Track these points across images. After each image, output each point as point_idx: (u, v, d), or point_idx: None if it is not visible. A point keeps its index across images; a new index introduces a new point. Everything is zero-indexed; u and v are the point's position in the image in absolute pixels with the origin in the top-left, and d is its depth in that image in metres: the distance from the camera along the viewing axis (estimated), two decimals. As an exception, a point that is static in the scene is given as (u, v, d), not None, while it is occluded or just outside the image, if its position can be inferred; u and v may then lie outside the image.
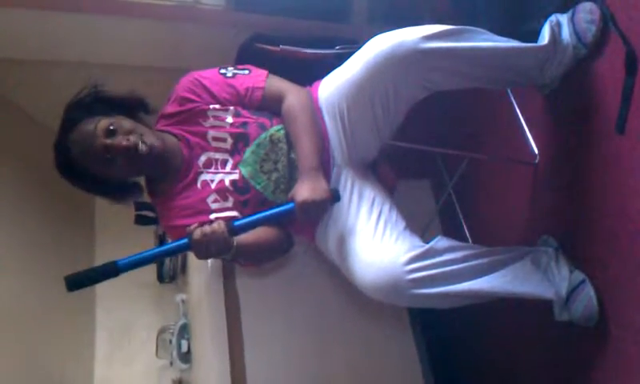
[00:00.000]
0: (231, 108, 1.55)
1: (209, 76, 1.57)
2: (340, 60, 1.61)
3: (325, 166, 1.61)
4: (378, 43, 1.47)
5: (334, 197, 1.44)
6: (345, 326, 2.15)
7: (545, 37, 1.60)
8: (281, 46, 1.87)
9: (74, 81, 2.24)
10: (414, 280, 1.42)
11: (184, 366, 2.34)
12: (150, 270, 2.61)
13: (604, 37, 1.56)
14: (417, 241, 1.52)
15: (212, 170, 1.54)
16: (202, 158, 1.54)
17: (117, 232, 2.49)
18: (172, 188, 1.55)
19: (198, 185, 1.53)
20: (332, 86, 1.61)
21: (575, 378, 1.76)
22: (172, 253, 1.48)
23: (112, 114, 1.48)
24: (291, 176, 1.56)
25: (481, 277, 1.50)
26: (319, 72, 1.71)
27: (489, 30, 1.55)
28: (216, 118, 1.54)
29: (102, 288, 2.53)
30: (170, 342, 2.40)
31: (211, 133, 1.53)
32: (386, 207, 1.58)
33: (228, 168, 1.54)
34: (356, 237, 1.53)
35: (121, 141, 1.41)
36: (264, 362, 2.03)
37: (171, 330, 2.41)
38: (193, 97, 1.54)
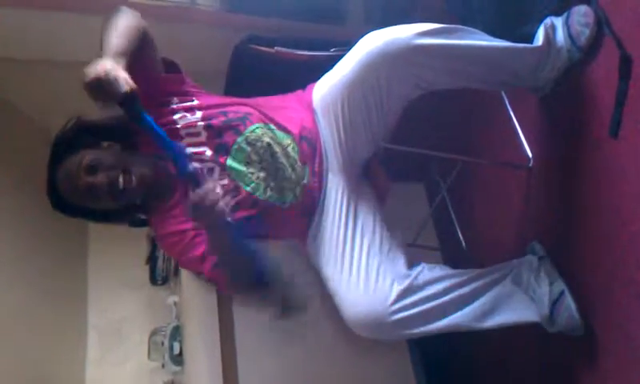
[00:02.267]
0: (200, 123, 1.52)
1: None
2: (335, 62, 1.61)
3: (318, 171, 1.61)
4: (370, 41, 1.47)
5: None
6: (338, 339, 2.15)
7: (539, 39, 1.60)
8: (276, 48, 1.87)
9: (70, 81, 2.24)
10: (395, 321, 1.46)
11: (176, 369, 2.32)
12: (143, 272, 2.60)
13: (598, 40, 1.56)
14: (400, 267, 1.55)
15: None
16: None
17: (110, 233, 2.48)
18: (166, 203, 1.53)
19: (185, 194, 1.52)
20: (326, 87, 1.61)
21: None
22: (174, 159, 1.28)
23: (98, 144, 1.48)
24: (278, 177, 1.55)
25: (462, 309, 1.53)
26: (314, 74, 1.71)
27: (484, 31, 1.55)
28: (190, 135, 1.52)
29: (94, 289, 2.56)
30: (162, 344, 2.38)
31: (190, 149, 1.50)
32: (370, 228, 1.60)
33: (216, 175, 1.52)
34: (341, 271, 1.56)
35: (102, 179, 1.38)
36: (256, 366, 2.02)
37: (163, 332, 2.40)
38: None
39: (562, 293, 1.60)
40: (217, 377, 1.97)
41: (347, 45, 1.85)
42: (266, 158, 1.54)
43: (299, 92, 1.73)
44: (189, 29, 2.18)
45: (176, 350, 2.33)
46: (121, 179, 1.39)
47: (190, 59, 2.23)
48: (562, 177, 1.75)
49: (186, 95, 1.57)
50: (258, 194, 1.53)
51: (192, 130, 1.52)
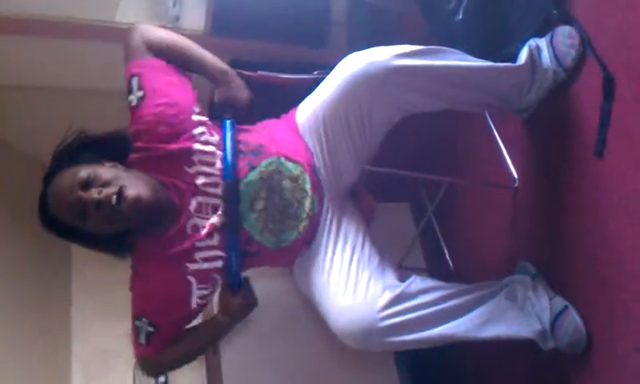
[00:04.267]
0: (218, 152, 1.47)
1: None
2: (318, 85, 1.61)
3: (317, 189, 1.58)
4: (349, 63, 1.46)
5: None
6: (324, 355, 2.12)
7: (522, 59, 1.61)
8: (259, 72, 1.86)
9: (51, 106, 2.22)
10: (386, 327, 1.42)
11: (162, 399, 2.29)
12: (127, 299, 2.55)
13: (581, 61, 1.57)
14: (390, 279, 1.52)
15: (203, 214, 1.46)
16: (193, 203, 1.46)
17: (94, 260, 2.43)
18: (157, 239, 1.46)
19: (188, 230, 1.45)
20: (309, 110, 1.60)
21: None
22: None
23: (98, 160, 1.40)
24: (283, 215, 1.51)
25: (454, 319, 1.49)
26: (297, 97, 1.70)
27: (467, 53, 1.55)
28: (203, 162, 1.46)
29: (78, 319, 2.51)
30: (148, 373, 2.34)
31: (201, 179, 1.45)
32: (359, 243, 1.57)
33: (220, 211, 1.46)
34: (329, 283, 1.51)
35: (92, 193, 1.31)
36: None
37: (148, 361, 2.36)
38: (157, 144, 1.44)
39: (565, 307, 1.59)
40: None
41: (330, 68, 1.85)
42: (274, 196, 1.50)
43: (284, 117, 1.70)
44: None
45: (161, 379, 2.29)
46: (114, 198, 1.31)
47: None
48: (547, 196, 1.75)
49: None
50: (253, 233, 1.49)
51: (207, 159, 1.47)
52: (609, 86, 1.48)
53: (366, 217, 1.73)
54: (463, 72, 1.51)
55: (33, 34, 1.96)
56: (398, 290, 1.46)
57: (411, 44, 1.48)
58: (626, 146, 1.45)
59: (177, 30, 2.07)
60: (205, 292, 1.50)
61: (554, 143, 1.71)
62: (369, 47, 1.48)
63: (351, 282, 1.48)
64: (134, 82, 1.46)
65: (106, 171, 1.36)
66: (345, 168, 1.61)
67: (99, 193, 1.31)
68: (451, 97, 1.57)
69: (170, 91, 1.46)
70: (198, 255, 1.45)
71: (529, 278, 1.68)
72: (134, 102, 1.44)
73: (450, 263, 2.19)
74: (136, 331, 1.54)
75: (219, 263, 1.48)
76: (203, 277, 1.47)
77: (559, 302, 1.61)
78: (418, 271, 2.35)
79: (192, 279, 1.46)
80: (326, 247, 1.57)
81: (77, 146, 1.42)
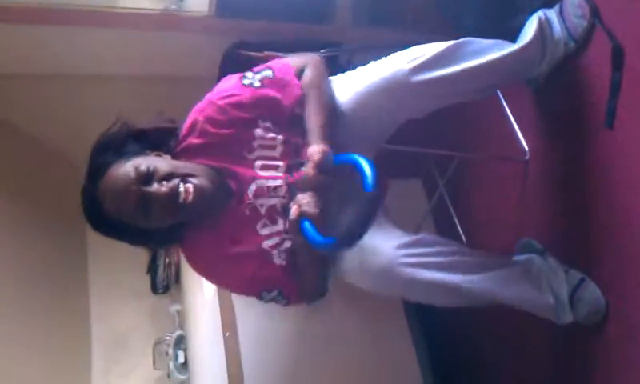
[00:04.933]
0: (279, 137, 1.43)
1: (236, 92, 1.42)
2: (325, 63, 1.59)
3: None
4: (367, 76, 1.47)
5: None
6: (344, 332, 2.14)
7: (528, 33, 1.58)
8: (265, 52, 1.85)
9: (59, 92, 2.23)
10: (406, 264, 1.39)
11: (182, 377, 2.33)
12: (144, 281, 2.60)
13: (591, 32, 1.55)
14: (407, 232, 1.51)
15: (263, 198, 1.43)
16: (252, 188, 1.42)
17: (109, 243, 2.47)
18: (214, 221, 1.43)
19: (247, 212, 1.43)
20: None
21: (574, 375, 1.75)
22: None
23: (146, 152, 1.36)
24: (343, 198, 1.45)
25: (472, 274, 1.47)
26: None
27: (473, 26, 1.54)
28: (263, 147, 1.43)
29: (96, 301, 2.55)
30: (167, 353, 2.38)
31: (259, 162, 1.42)
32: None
33: (282, 192, 1.43)
34: None
35: (159, 188, 1.27)
36: (261, 371, 2.02)
37: (167, 341, 2.39)
38: (221, 129, 1.40)
39: (582, 279, 1.59)
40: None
41: (337, 45, 1.84)
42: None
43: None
44: (178, 36, 2.17)
45: (181, 359, 2.33)
46: (182, 189, 1.29)
47: (180, 66, 2.25)
48: (558, 169, 1.74)
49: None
50: None
51: (267, 142, 1.44)
52: (618, 57, 1.46)
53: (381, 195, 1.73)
54: (479, 68, 1.49)
55: (37, 22, 1.96)
56: (415, 237, 1.46)
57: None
58: (636, 116, 1.43)
59: (181, 11, 2.06)
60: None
61: (564, 115, 1.69)
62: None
63: (373, 231, 1.42)
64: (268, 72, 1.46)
65: (162, 163, 1.33)
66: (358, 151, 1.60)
67: (166, 186, 1.28)
68: (468, 91, 1.56)
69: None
70: (265, 243, 1.44)
71: (538, 257, 1.67)
72: (257, 83, 1.43)
73: (463, 237, 2.19)
74: (274, 302, 1.51)
75: (287, 244, 1.45)
76: (275, 246, 1.45)
77: (575, 274, 1.61)
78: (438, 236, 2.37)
79: (267, 249, 1.44)
80: None
81: (123, 138, 1.37)
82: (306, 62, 1.50)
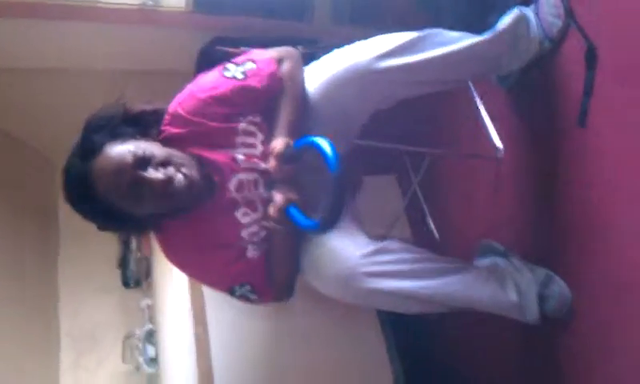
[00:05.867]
0: (261, 133, 1.44)
1: (218, 85, 1.42)
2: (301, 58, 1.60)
3: None
4: (332, 65, 1.47)
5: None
6: (314, 324, 2.14)
7: (499, 26, 1.60)
8: (242, 49, 1.85)
9: (32, 86, 2.20)
10: (368, 273, 1.39)
11: (151, 371, 2.31)
12: (114, 275, 2.57)
13: (566, 31, 1.58)
14: (371, 239, 1.50)
15: (244, 191, 1.43)
16: (234, 181, 1.42)
17: (80, 236, 2.44)
18: (192, 214, 1.41)
19: (228, 204, 1.42)
20: None
21: (542, 371, 1.78)
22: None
23: (139, 137, 1.34)
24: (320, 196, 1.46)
25: (434, 279, 1.47)
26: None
27: (452, 23, 1.55)
28: (245, 143, 1.43)
29: (65, 294, 2.52)
30: (137, 347, 2.36)
31: (241, 157, 1.41)
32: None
33: (261, 189, 1.44)
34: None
35: (155, 174, 1.27)
36: (232, 366, 2.02)
37: (137, 336, 2.38)
38: (203, 120, 1.39)
39: (548, 275, 1.62)
40: (192, 379, 1.95)
41: (314, 42, 1.85)
42: (312, 180, 1.43)
43: None
44: (156, 31, 2.16)
45: (151, 354, 2.31)
46: (179, 176, 1.28)
47: (157, 61, 2.24)
48: (530, 167, 1.77)
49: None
50: None
51: (250, 139, 1.44)
52: (591, 56, 1.49)
53: (353, 189, 1.74)
54: (445, 58, 1.50)
55: (11, 15, 1.93)
56: (380, 244, 1.45)
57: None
58: (608, 116, 1.46)
59: (158, 6, 2.05)
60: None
61: (537, 114, 1.72)
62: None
63: (337, 234, 1.45)
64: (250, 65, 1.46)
65: (159, 149, 1.32)
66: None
67: (163, 173, 1.28)
68: (435, 81, 1.58)
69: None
70: (244, 232, 1.44)
71: (501, 259, 1.70)
72: (239, 75, 1.43)
73: (436, 233, 2.21)
74: (244, 298, 1.50)
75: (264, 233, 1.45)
76: (253, 234, 1.45)
77: (540, 271, 1.63)
78: (403, 241, 2.39)
79: (245, 238, 1.45)
80: None
81: (119, 120, 1.35)
82: (284, 54, 1.51)
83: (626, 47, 1.42)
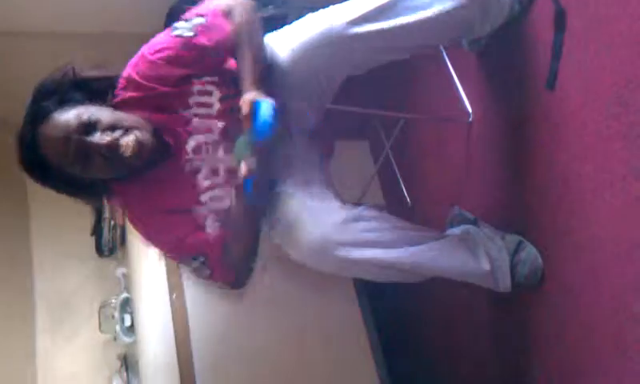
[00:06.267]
0: (216, 92, 1.41)
1: (166, 46, 1.38)
2: (272, 21, 1.58)
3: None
4: (305, 30, 1.44)
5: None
6: (287, 291, 2.15)
7: None
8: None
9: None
10: (341, 241, 1.39)
11: (128, 340, 2.31)
12: (88, 243, 2.55)
13: (533, -6, 1.57)
14: (345, 206, 1.50)
15: (202, 153, 1.42)
16: (191, 143, 1.41)
17: (52, 203, 2.40)
18: (149, 178, 1.41)
19: (186, 167, 1.41)
20: None
21: (515, 337, 1.80)
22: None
23: (88, 102, 1.33)
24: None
25: (406, 248, 1.48)
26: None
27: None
28: (200, 103, 1.41)
29: (39, 260, 2.49)
30: (113, 316, 2.35)
31: (196, 118, 1.40)
32: (317, 179, 1.55)
33: (220, 153, 1.43)
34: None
35: (101, 138, 1.26)
36: (209, 333, 2.03)
37: (113, 305, 2.37)
38: (155, 85, 1.36)
39: (520, 242, 1.62)
40: (170, 347, 1.96)
41: (285, 3, 1.82)
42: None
43: None
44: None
45: (127, 322, 2.31)
46: (123, 141, 1.27)
47: (124, 22, 2.19)
48: (501, 130, 1.77)
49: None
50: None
51: (204, 99, 1.41)
52: (560, 19, 1.48)
53: (325, 155, 1.74)
54: (420, 24, 1.48)
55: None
56: (354, 212, 1.45)
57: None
58: (576, 78, 1.47)
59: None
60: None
61: (507, 77, 1.72)
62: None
63: (310, 201, 1.46)
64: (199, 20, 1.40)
65: (106, 114, 1.31)
66: (301, 116, 1.59)
67: (109, 137, 1.27)
68: (407, 48, 1.57)
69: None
70: (204, 196, 1.43)
71: (472, 227, 1.70)
72: (189, 32, 1.38)
73: (408, 199, 2.22)
74: (197, 272, 1.49)
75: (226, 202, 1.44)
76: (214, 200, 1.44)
77: (511, 238, 1.64)
78: (378, 208, 2.40)
79: (205, 210, 1.44)
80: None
81: (68, 86, 1.34)
82: (233, 3, 1.43)
83: (594, 8, 1.42)
